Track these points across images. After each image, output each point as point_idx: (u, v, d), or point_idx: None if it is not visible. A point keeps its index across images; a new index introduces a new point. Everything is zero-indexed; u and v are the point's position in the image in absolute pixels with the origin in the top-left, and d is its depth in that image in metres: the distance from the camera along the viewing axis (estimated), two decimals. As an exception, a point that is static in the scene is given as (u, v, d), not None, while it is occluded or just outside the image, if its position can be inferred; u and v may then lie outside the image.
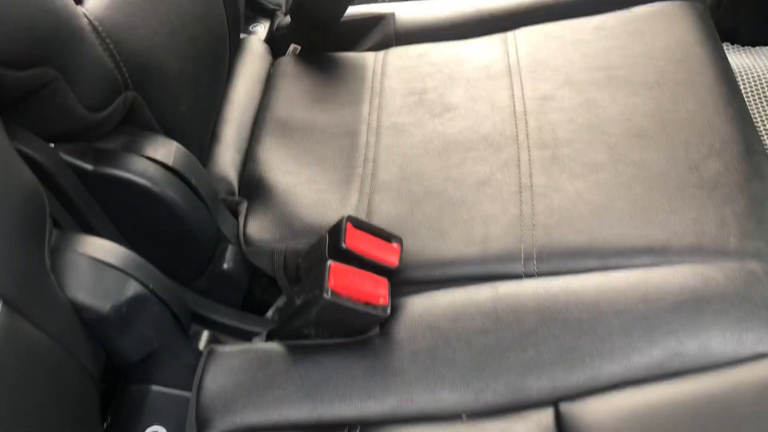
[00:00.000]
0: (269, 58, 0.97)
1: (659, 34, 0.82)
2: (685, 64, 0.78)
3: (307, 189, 0.76)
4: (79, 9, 0.56)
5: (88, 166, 0.60)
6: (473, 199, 0.70)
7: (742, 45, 1.56)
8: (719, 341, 0.55)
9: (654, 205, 0.66)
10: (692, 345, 0.55)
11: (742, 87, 1.42)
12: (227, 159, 0.80)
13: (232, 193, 0.78)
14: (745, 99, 1.38)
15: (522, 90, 0.80)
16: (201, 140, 0.77)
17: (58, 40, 0.53)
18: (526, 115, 0.77)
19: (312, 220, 0.72)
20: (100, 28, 0.57)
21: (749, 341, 0.55)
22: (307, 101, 0.87)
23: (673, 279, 0.59)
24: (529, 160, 0.72)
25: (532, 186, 0.70)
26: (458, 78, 0.85)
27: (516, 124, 0.77)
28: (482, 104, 0.80)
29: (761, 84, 1.45)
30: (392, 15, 0.96)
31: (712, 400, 0.52)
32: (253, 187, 0.78)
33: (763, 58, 1.53)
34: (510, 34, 0.89)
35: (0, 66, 0.50)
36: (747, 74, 1.47)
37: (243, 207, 0.76)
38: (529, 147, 0.74)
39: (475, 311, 0.60)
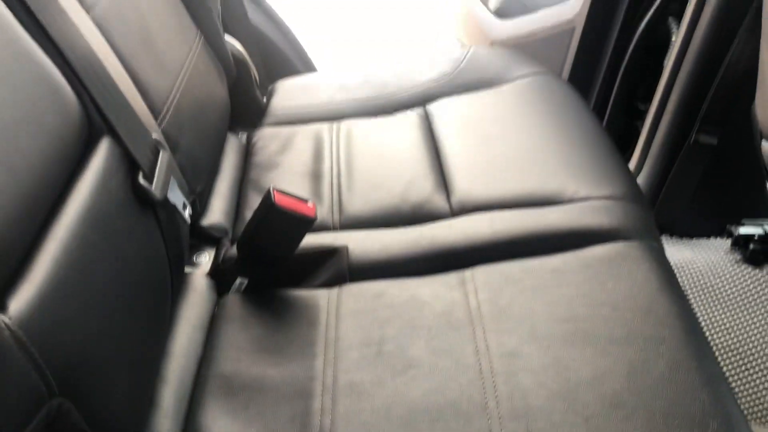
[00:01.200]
0: (213, 296, 0.90)
1: (620, 280, 0.81)
2: (651, 316, 0.76)
3: (255, 474, 0.67)
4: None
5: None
6: (445, 489, 0.63)
7: (680, 237, 1.61)
8: None
9: (643, 497, 0.60)
10: None
11: (682, 279, 1.45)
12: (164, 432, 0.71)
13: (169, 477, 0.68)
14: (686, 292, 1.40)
15: (486, 343, 0.76)
16: (137, 420, 0.68)
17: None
18: (493, 376, 0.72)
19: None
20: (24, 338, 0.50)
21: None
22: (255, 352, 0.80)
23: None
24: (502, 435, 0.67)
25: (508, 471, 0.64)
26: (418, 326, 0.80)
27: (484, 386, 0.71)
28: (446, 360, 0.75)
29: (700, 276, 1.48)
30: (345, 248, 0.92)
31: None
32: (193, 468, 0.69)
33: (700, 250, 1.58)
34: (468, 273, 0.86)
35: None
36: (687, 267, 1.50)
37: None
38: (500, 417, 0.68)
39: None
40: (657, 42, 1.52)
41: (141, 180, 0.72)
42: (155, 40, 0.93)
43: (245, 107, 1.26)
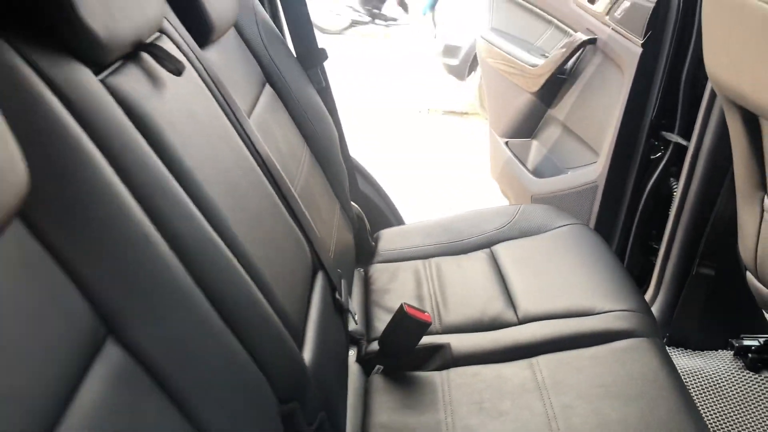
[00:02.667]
0: (363, 376, 1.36)
1: (635, 362, 1.25)
2: (655, 383, 1.19)
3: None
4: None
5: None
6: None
7: (693, 349, 1.98)
8: None
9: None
10: None
11: (694, 383, 1.82)
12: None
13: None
14: (699, 397, 1.77)
15: (550, 401, 1.20)
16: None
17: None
18: (556, 420, 1.15)
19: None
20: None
21: None
22: (399, 409, 1.24)
23: None
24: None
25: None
26: (505, 391, 1.24)
27: (550, 425, 1.14)
28: (525, 411, 1.19)
29: (709, 380, 1.85)
30: (448, 344, 1.38)
31: None
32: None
33: (708, 360, 1.94)
34: (534, 360, 1.31)
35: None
36: (698, 373, 1.88)
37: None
38: (561, 445, 1.11)
39: None
40: (663, 196, 1.99)
41: (338, 296, 1.20)
42: (320, 209, 1.45)
43: (362, 250, 1.77)
